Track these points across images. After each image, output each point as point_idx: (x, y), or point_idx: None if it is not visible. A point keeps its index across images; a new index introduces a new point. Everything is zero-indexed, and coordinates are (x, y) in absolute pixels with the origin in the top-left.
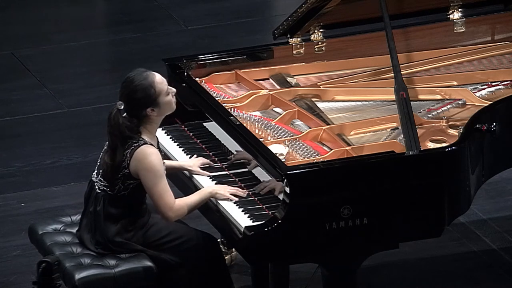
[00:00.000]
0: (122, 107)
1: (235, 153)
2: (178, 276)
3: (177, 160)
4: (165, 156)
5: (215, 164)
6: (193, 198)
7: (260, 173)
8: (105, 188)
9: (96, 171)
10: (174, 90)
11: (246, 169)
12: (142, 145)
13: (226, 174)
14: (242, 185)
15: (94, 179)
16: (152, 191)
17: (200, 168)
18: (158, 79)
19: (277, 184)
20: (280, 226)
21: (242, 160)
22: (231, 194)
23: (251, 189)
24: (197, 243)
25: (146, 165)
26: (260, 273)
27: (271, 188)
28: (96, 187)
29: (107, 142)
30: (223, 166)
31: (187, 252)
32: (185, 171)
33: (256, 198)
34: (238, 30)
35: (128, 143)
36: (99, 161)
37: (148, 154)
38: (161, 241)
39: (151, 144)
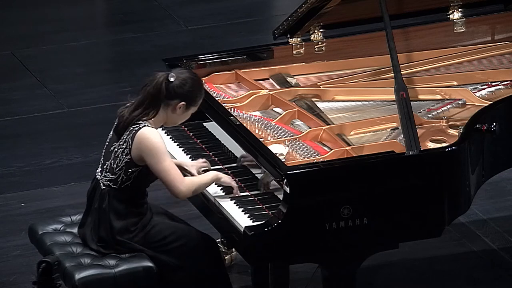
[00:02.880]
0: (172, 79)
1: (234, 152)
2: (177, 277)
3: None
4: None
5: (216, 167)
6: (198, 178)
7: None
8: (109, 183)
9: (100, 168)
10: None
11: (246, 169)
12: (142, 127)
13: (226, 173)
14: (242, 185)
15: (98, 176)
16: (159, 168)
17: (199, 171)
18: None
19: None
20: (280, 226)
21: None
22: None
23: (252, 189)
24: (197, 245)
25: (148, 145)
26: (260, 273)
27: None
28: (101, 183)
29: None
30: (224, 166)
31: (187, 254)
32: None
33: (256, 198)
34: (238, 30)
35: (129, 129)
36: (102, 158)
37: (148, 134)
38: (162, 242)
39: (152, 127)
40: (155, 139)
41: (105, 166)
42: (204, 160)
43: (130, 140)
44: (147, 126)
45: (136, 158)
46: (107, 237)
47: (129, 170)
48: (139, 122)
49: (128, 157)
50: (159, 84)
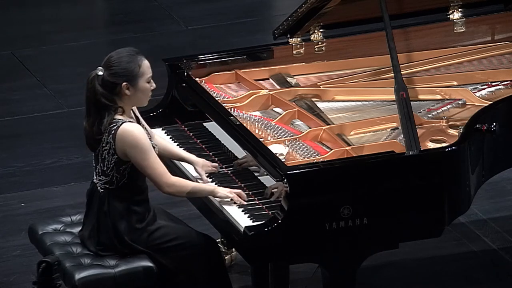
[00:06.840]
0: (101, 73)
1: (234, 152)
2: (177, 279)
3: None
4: None
5: (220, 170)
6: (192, 185)
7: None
8: (106, 186)
9: (94, 173)
10: (155, 85)
11: (248, 170)
12: (121, 124)
13: (226, 173)
14: (242, 185)
15: (95, 180)
16: (143, 165)
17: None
18: (147, 62)
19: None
20: (280, 226)
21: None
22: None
23: (252, 190)
24: (197, 247)
25: (131, 142)
26: (260, 273)
27: (279, 192)
28: (99, 188)
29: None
30: (223, 166)
31: (187, 256)
32: (188, 173)
33: (256, 198)
34: (238, 30)
35: (108, 128)
36: (93, 163)
37: (129, 130)
38: (165, 245)
39: (130, 121)
40: (137, 135)
41: (97, 170)
42: (215, 165)
43: (112, 141)
44: (125, 122)
45: (123, 156)
46: (109, 241)
47: (120, 168)
48: (114, 120)
49: (115, 156)
50: (92, 85)
